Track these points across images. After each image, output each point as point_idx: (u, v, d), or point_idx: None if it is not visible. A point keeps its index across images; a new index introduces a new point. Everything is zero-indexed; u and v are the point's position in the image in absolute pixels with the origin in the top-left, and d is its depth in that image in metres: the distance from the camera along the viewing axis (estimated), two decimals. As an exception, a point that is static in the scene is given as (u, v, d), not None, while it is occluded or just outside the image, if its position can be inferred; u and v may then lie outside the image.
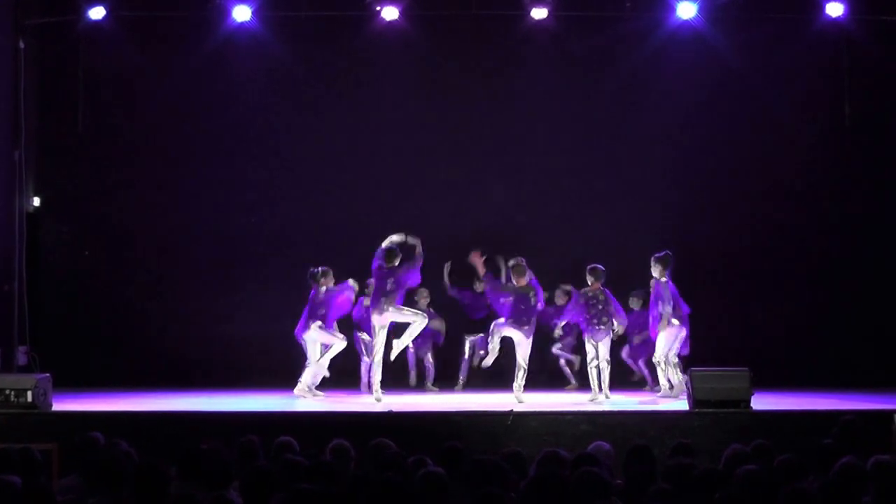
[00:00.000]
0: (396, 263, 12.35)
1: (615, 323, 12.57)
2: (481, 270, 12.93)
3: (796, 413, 10.94)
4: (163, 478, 5.94)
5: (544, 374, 14.48)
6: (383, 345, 12.32)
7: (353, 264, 15.03)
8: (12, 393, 10.58)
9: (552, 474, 5.75)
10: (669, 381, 12.56)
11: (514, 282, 12.39)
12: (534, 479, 5.76)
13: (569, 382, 14.37)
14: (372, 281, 12.86)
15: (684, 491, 5.84)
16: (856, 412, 10.18)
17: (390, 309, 12.22)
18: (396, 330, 12.68)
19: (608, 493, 5.79)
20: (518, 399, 12.02)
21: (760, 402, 10.94)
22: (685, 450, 7.32)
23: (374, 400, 12.11)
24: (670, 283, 12.58)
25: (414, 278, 12.51)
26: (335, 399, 12.95)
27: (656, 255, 12.70)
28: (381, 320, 12.25)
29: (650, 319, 12.75)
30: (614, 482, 6.31)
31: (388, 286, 12.21)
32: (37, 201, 15.17)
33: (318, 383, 13.00)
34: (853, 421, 8.44)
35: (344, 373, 14.01)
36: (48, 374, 11.20)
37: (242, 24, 14.73)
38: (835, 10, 14.50)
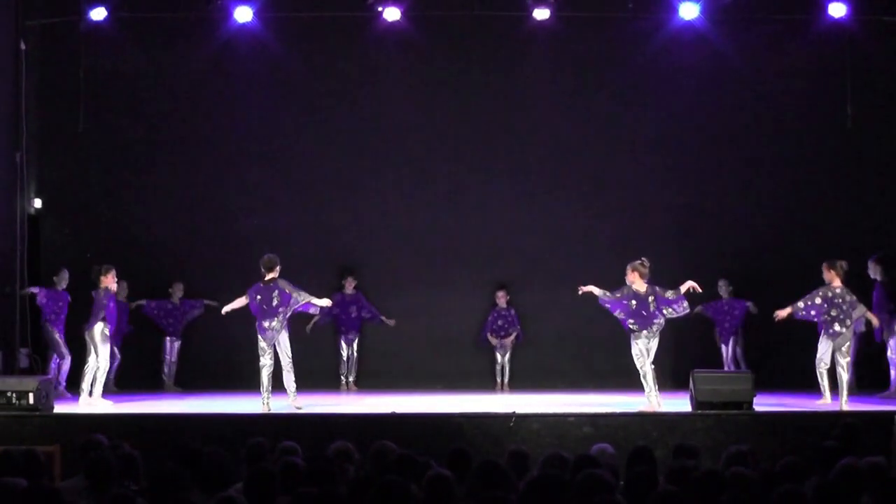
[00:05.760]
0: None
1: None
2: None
3: (798, 414, 10.92)
4: (181, 484, 5.91)
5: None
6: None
7: (355, 264, 15.10)
8: (14, 395, 10.54)
9: (552, 474, 5.75)
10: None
11: (632, 283, 11.51)
12: (535, 479, 5.74)
13: None
14: None
15: (686, 492, 5.79)
16: (857, 414, 10.21)
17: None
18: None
19: (611, 495, 5.72)
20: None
21: (762, 404, 10.91)
22: (688, 451, 7.30)
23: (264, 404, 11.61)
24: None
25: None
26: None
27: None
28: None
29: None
30: (618, 484, 6.28)
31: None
32: (38, 203, 15.15)
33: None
34: (854, 423, 8.43)
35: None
36: (50, 377, 11.17)
37: (244, 24, 14.71)
38: (837, 10, 14.44)
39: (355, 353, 15.11)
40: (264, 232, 15.14)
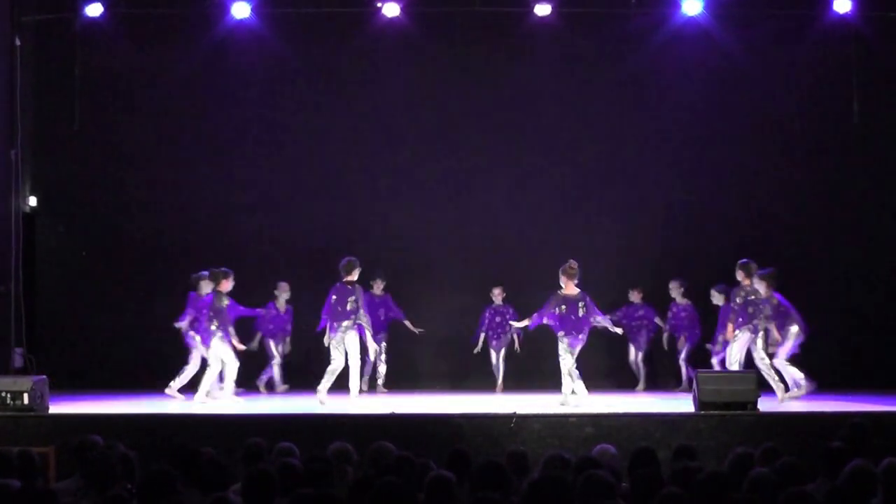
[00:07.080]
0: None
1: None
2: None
3: (803, 415, 10.85)
4: (170, 485, 5.89)
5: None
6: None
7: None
8: (8, 395, 10.52)
9: (554, 476, 5.73)
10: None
11: (564, 287, 11.70)
12: (536, 480, 5.71)
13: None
14: None
15: (690, 493, 5.74)
16: (864, 414, 10.15)
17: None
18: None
19: (613, 496, 5.75)
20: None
21: (767, 404, 10.86)
22: (688, 452, 7.22)
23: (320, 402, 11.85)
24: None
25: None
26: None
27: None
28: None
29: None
30: (620, 485, 6.27)
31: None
32: (33, 201, 15.14)
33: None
34: (861, 423, 8.38)
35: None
36: (45, 377, 11.15)
37: (241, 20, 14.74)
38: (842, 5, 14.46)
39: (384, 354, 14.62)
40: (261, 230, 15.16)
